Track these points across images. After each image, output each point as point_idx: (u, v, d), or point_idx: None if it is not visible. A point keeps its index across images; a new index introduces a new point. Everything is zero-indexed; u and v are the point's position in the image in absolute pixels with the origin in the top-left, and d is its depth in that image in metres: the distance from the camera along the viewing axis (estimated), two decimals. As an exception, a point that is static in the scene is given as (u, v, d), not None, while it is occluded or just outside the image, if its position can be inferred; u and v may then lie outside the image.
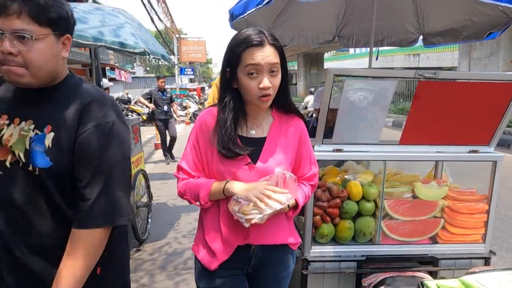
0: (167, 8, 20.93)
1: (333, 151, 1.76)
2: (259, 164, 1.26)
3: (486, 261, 1.88)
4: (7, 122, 1.04)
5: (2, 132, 1.04)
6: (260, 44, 1.16)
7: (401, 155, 1.82)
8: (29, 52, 0.96)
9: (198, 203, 1.27)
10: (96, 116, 1.03)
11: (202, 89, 24.36)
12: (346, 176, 1.91)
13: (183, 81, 25.72)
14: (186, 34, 41.50)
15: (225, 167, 1.25)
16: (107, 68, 21.16)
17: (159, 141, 9.33)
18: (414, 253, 1.85)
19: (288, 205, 1.26)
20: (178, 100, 8.74)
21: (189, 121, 14.51)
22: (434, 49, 18.89)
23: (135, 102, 17.42)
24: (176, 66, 20.98)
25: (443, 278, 1.73)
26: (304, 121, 1.39)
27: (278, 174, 1.20)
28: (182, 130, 9.98)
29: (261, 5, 2.04)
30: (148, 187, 4.14)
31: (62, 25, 1.03)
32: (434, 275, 1.81)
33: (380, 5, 2.70)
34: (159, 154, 8.51)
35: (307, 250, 1.78)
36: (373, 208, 1.82)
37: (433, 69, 2.17)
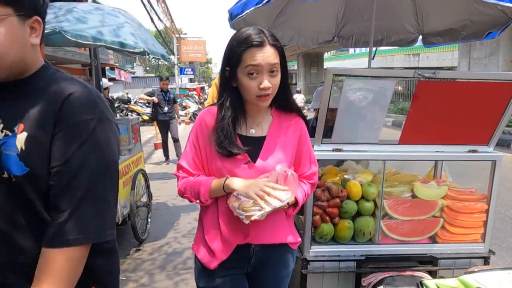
0: (167, 8, 20.91)
1: (333, 150, 1.76)
2: (258, 163, 1.26)
3: (486, 260, 1.88)
4: None
5: None
6: (261, 45, 1.16)
7: (400, 155, 1.83)
8: None
9: (198, 200, 1.27)
10: (76, 113, 0.85)
11: (202, 89, 24.38)
12: (345, 176, 1.91)
13: (183, 81, 25.72)
14: (186, 34, 41.51)
15: (224, 166, 1.25)
16: (107, 68, 21.15)
17: (159, 141, 9.36)
18: (413, 252, 1.85)
19: (288, 203, 1.26)
20: (178, 100, 8.60)
21: (189, 121, 14.51)
22: (434, 49, 18.90)
23: (135, 102, 17.44)
24: (176, 66, 20.98)
25: (442, 277, 1.74)
26: (305, 120, 1.39)
27: (279, 172, 1.20)
28: (182, 130, 9.97)
29: (260, 5, 2.04)
30: (147, 186, 4.14)
31: (28, 4, 0.85)
32: (433, 274, 1.81)
33: (380, 5, 2.70)
34: (159, 154, 8.51)
35: (306, 250, 1.78)
36: (372, 208, 1.82)
37: (433, 69, 2.18)
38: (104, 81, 7.05)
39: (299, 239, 1.42)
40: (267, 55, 1.16)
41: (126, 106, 16.31)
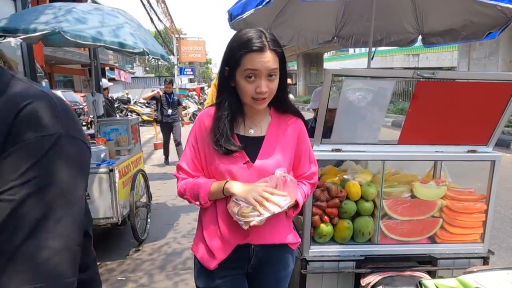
0: (167, 8, 20.91)
1: (332, 151, 1.76)
2: (257, 162, 1.26)
3: (485, 260, 1.88)
4: None
5: None
6: (261, 50, 1.16)
7: (399, 155, 1.83)
8: None
9: (198, 202, 1.28)
10: (29, 128, 0.69)
11: (202, 89, 24.38)
12: (345, 176, 1.91)
13: (182, 81, 25.73)
14: (185, 34, 41.51)
15: (223, 166, 1.25)
16: (107, 68, 21.23)
17: (159, 142, 9.36)
18: (412, 252, 1.85)
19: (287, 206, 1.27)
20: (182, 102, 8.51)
21: (189, 121, 14.51)
22: (433, 49, 18.90)
23: (135, 102, 17.44)
24: (176, 66, 20.98)
25: (441, 277, 1.74)
26: (304, 121, 1.39)
27: (278, 177, 1.20)
28: (182, 130, 9.96)
29: (260, 6, 2.04)
30: (147, 187, 4.14)
31: None
32: (432, 274, 1.81)
33: (379, 5, 2.70)
34: (158, 154, 8.52)
35: (306, 250, 1.78)
36: (371, 208, 1.82)
37: (433, 69, 2.18)
38: (104, 81, 7.07)
39: (299, 239, 1.43)
40: (266, 60, 1.17)
41: (125, 106, 16.32)
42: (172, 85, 7.41)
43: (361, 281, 1.76)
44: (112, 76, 22.80)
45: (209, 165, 1.29)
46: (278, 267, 1.38)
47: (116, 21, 3.18)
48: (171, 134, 7.10)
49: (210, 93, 8.00)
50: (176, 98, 7.16)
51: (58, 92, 13.00)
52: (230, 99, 1.25)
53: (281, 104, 1.33)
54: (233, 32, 1.27)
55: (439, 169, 2.15)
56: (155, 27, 16.45)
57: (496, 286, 1.11)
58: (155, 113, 12.83)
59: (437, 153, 1.83)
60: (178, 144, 7.08)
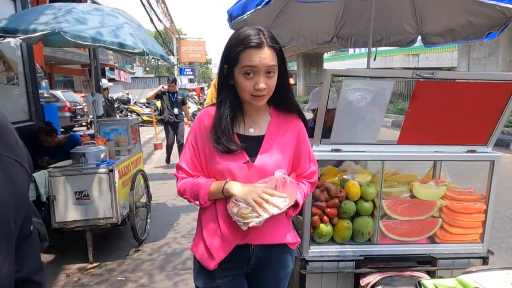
0: (167, 9, 20.93)
1: (331, 151, 1.76)
2: (257, 161, 1.27)
3: (484, 260, 1.88)
4: None
5: None
6: (258, 46, 1.17)
7: (399, 155, 1.83)
8: None
9: (197, 202, 1.28)
10: None
11: (202, 89, 24.39)
12: (344, 176, 1.91)
13: (182, 81, 25.74)
14: (185, 34, 41.52)
15: (223, 165, 1.25)
16: (107, 68, 21.24)
17: (159, 142, 9.35)
18: (412, 252, 1.85)
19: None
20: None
21: (189, 121, 14.50)
22: (433, 49, 18.90)
23: (135, 103, 17.44)
24: (176, 67, 20.99)
25: (440, 277, 1.74)
26: (304, 121, 1.39)
27: (278, 178, 1.21)
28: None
29: (260, 6, 2.04)
30: (147, 187, 4.15)
31: None
32: (432, 274, 1.81)
33: (379, 6, 2.70)
34: (158, 154, 8.52)
35: (305, 250, 1.78)
36: (371, 208, 1.82)
37: (433, 69, 2.18)
38: (104, 82, 7.07)
39: (298, 239, 1.43)
40: (264, 56, 1.17)
41: (125, 106, 16.33)
42: (176, 84, 7.18)
43: (361, 281, 1.76)
44: (112, 76, 22.81)
45: (209, 165, 1.29)
46: (278, 267, 1.38)
47: (116, 22, 3.18)
48: (175, 135, 6.83)
49: (210, 93, 7.98)
50: (180, 97, 6.93)
51: (58, 93, 13.02)
52: (230, 97, 1.25)
53: (281, 102, 1.33)
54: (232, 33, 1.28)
55: (438, 169, 2.15)
56: (155, 27, 16.47)
57: (495, 286, 1.11)
58: (155, 113, 12.85)
59: (436, 153, 1.83)
60: (181, 145, 6.73)
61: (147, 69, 50.91)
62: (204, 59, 31.57)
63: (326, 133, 1.78)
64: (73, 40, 2.82)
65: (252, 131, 1.31)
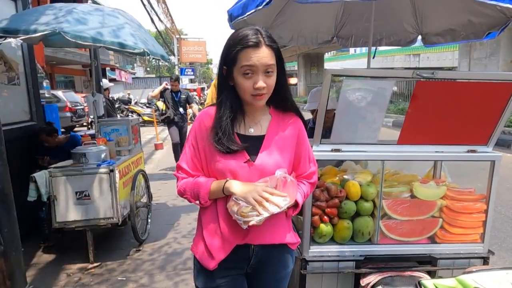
0: (167, 9, 20.95)
1: (331, 151, 1.76)
2: (258, 161, 1.27)
3: (485, 260, 1.88)
4: None
5: None
6: (256, 45, 1.17)
7: (399, 155, 1.83)
8: None
9: (198, 202, 1.28)
10: None
11: (202, 89, 24.40)
12: (344, 176, 1.91)
13: (183, 81, 25.76)
14: (186, 34, 41.54)
15: (224, 165, 1.25)
16: (108, 68, 21.26)
17: (159, 142, 9.35)
18: (412, 252, 1.85)
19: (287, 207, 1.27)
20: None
21: (190, 121, 14.52)
22: (434, 49, 18.90)
23: (135, 103, 17.46)
24: (177, 67, 20.99)
25: (441, 277, 1.74)
26: (303, 120, 1.40)
27: (279, 177, 1.21)
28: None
29: (261, 6, 2.04)
30: (148, 187, 4.15)
31: None
32: (432, 274, 1.81)
33: (379, 5, 2.70)
34: (159, 154, 8.53)
35: (305, 250, 1.78)
36: (371, 208, 1.82)
37: (434, 69, 2.18)
38: (104, 82, 7.08)
39: (299, 239, 1.43)
40: (262, 55, 1.18)
41: (126, 106, 16.34)
42: (179, 82, 6.83)
43: (361, 281, 1.76)
44: (113, 76, 22.83)
45: (209, 164, 1.29)
46: (278, 267, 1.38)
47: (117, 22, 3.19)
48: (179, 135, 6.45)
49: (210, 93, 7.94)
50: (183, 96, 6.58)
51: (59, 93, 13.04)
52: (230, 98, 1.26)
53: (280, 102, 1.33)
54: (233, 33, 1.28)
55: (439, 169, 2.15)
56: (156, 27, 16.48)
57: (495, 286, 1.11)
58: (156, 113, 12.85)
59: (437, 153, 1.83)
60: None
61: (148, 69, 50.95)
62: (205, 59, 31.60)
63: (326, 133, 1.77)
64: (73, 40, 2.82)
65: (252, 131, 1.31)
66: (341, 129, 1.78)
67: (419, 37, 3.33)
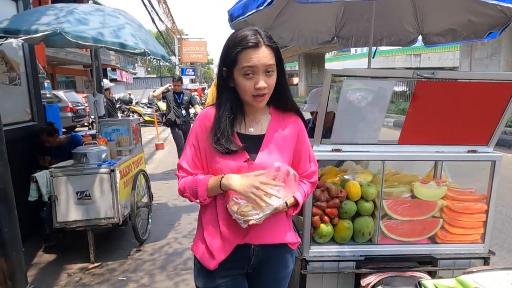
0: (168, 9, 20.97)
1: (332, 151, 1.76)
2: (257, 160, 1.27)
3: (485, 261, 1.87)
4: None
5: None
6: (256, 46, 1.17)
7: (399, 155, 1.82)
8: None
9: (198, 200, 1.28)
10: None
11: (203, 89, 24.42)
12: (345, 176, 1.91)
13: (184, 81, 25.76)
14: (187, 34, 41.55)
15: (224, 164, 1.26)
16: (109, 68, 21.29)
17: (160, 142, 9.36)
18: (413, 253, 1.85)
19: (287, 204, 1.27)
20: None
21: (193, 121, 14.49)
22: (435, 49, 18.87)
23: (136, 103, 17.48)
24: (177, 67, 21.00)
25: (441, 278, 1.73)
26: (303, 120, 1.40)
27: (282, 169, 1.20)
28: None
29: (262, 7, 2.04)
30: (148, 187, 4.15)
31: None
32: (433, 275, 1.81)
33: (379, 5, 2.70)
34: (160, 154, 8.54)
35: (306, 250, 1.78)
36: (372, 208, 1.82)
37: (435, 69, 2.18)
38: (105, 82, 7.08)
39: (299, 239, 1.43)
40: (262, 56, 1.18)
41: (127, 107, 16.36)
42: (182, 83, 6.57)
43: (361, 282, 1.76)
44: (114, 76, 22.85)
45: (209, 164, 1.30)
46: (278, 267, 1.38)
47: (117, 22, 3.19)
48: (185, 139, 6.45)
49: (210, 93, 7.91)
50: (186, 98, 6.33)
51: (60, 93, 13.06)
52: (230, 99, 1.26)
53: (280, 102, 1.34)
54: (233, 33, 1.28)
55: (439, 169, 2.15)
56: (157, 27, 16.49)
57: (495, 286, 1.11)
58: (157, 113, 12.85)
59: (437, 153, 1.83)
60: None
61: (149, 69, 50.99)
62: (206, 60, 31.61)
63: (327, 133, 1.77)
64: (74, 40, 2.83)
65: (252, 130, 1.31)
66: (342, 129, 1.78)
67: (420, 37, 3.32)
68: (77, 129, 12.85)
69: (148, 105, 17.00)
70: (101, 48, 3.77)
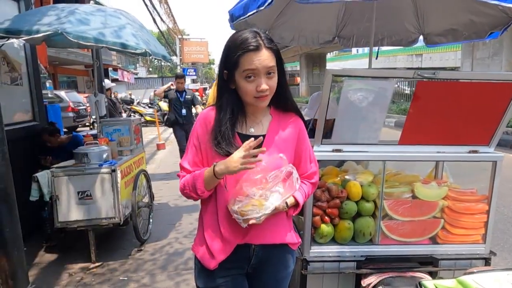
0: (170, 9, 21.00)
1: (333, 151, 1.76)
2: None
3: (486, 261, 1.87)
4: None
5: None
6: (257, 49, 1.18)
7: (400, 155, 1.82)
8: None
9: (196, 195, 1.28)
10: None
11: (204, 89, 24.44)
12: (345, 176, 1.91)
13: (185, 81, 25.79)
14: (188, 35, 41.55)
15: None
16: (110, 69, 21.33)
17: (162, 142, 9.37)
18: (414, 253, 1.85)
19: (287, 204, 1.27)
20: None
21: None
22: (436, 49, 18.83)
23: (138, 103, 17.51)
24: (179, 67, 21.01)
25: (441, 278, 1.73)
26: (303, 120, 1.40)
27: (286, 167, 1.20)
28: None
29: (262, 7, 2.04)
30: (149, 187, 4.16)
31: None
32: (434, 275, 1.81)
33: (380, 5, 2.69)
34: (161, 154, 8.54)
35: (306, 250, 1.78)
36: (372, 208, 1.82)
37: (436, 69, 2.17)
38: (106, 82, 7.10)
39: (299, 239, 1.43)
40: (263, 58, 1.18)
41: (129, 107, 16.40)
42: (185, 80, 6.37)
43: (362, 282, 1.75)
44: (115, 76, 22.90)
45: (210, 164, 1.30)
46: (279, 267, 1.38)
47: (118, 22, 3.20)
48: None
49: (211, 93, 7.89)
50: (189, 97, 6.15)
51: (62, 93, 13.09)
52: (231, 101, 1.26)
53: (280, 102, 1.34)
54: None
55: (440, 170, 2.14)
56: (158, 28, 16.50)
57: (496, 287, 1.11)
58: (158, 113, 12.87)
59: (438, 154, 1.82)
60: None
61: (150, 69, 51.05)
62: (207, 60, 31.63)
63: (327, 134, 1.77)
64: (75, 40, 2.83)
65: (253, 131, 1.31)
66: (342, 129, 1.78)
67: (421, 37, 3.32)
68: (78, 129, 12.88)
69: (149, 105, 17.04)
70: (103, 48, 3.77)
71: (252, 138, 1.17)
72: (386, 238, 1.85)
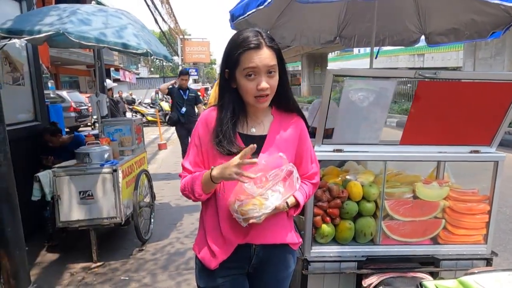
0: (171, 9, 21.02)
1: (333, 151, 1.76)
2: (259, 160, 1.27)
3: (488, 262, 1.86)
4: None
5: None
6: (258, 47, 1.18)
7: (401, 155, 1.82)
8: None
9: (193, 197, 1.28)
10: None
11: (206, 89, 24.46)
12: (346, 177, 1.90)
13: (189, 79, 25.81)
14: (190, 35, 41.57)
15: None
16: (112, 69, 21.38)
17: (163, 142, 9.38)
18: (415, 253, 1.84)
19: (288, 204, 1.27)
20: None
21: (193, 121, 14.53)
22: (438, 49, 18.78)
23: (139, 103, 17.54)
24: (180, 67, 21.03)
25: (442, 279, 1.72)
26: (305, 120, 1.40)
27: (287, 166, 1.20)
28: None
29: (261, 6, 2.05)
30: (151, 187, 4.16)
31: None
32: (435, 276, 1.80)
33: (381, 5, 2.69)
34: (162, 154, 8.55)
35: (307, 251, 1.78)
36: (373, 209, 1.82)
37: (438, 69, 2.17)
38: (108, 82, 7.12)
39: (300, 239, 1.43)
40: (264, 57, 1.18)
41: (130, 107, 16.42)
42: (189, 77, 6.24)
43: (363, 282, 1.75)
44: (117, 76, 22.95)
45: (211, 164, 1.30)
46: (279, 267, 1.38)
47: (120, 22, 3.20)
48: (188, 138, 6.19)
49: (213, 93, 7.89)
50: (192, 95, 6.02)
51: (64, 93, 13.13)
52: (232, 100, 1.26)
53: (282, 102, 1.34)
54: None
55: (442, 170, 2.14)
56: (160, 28, 16.52)
57: (497, 287, 1.10)
58: (159, 113, 12.89)
59: (439, 154, 1.82)
60: None
61: (152, 69, 51.13)
62: (209, 60, 31.67)
63: (328, 134, 1.77)
64: (77, 41, 2.84)
65: (254, 131, 1.31)
66: (343, 129, 1.78)
67: (423, 37, 3.31)
68: (80, 129, 12.91)
69: (151, 105, 17.05)
70: (104, 49, 3.78)
71: (250, 146, 1.15)
72: (387, 238, 1.85)
